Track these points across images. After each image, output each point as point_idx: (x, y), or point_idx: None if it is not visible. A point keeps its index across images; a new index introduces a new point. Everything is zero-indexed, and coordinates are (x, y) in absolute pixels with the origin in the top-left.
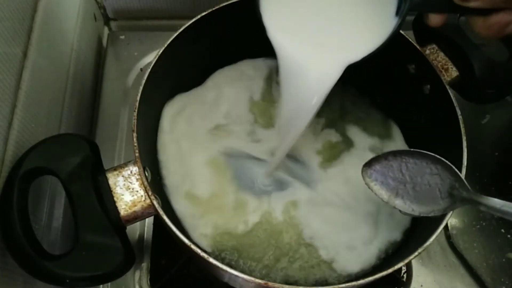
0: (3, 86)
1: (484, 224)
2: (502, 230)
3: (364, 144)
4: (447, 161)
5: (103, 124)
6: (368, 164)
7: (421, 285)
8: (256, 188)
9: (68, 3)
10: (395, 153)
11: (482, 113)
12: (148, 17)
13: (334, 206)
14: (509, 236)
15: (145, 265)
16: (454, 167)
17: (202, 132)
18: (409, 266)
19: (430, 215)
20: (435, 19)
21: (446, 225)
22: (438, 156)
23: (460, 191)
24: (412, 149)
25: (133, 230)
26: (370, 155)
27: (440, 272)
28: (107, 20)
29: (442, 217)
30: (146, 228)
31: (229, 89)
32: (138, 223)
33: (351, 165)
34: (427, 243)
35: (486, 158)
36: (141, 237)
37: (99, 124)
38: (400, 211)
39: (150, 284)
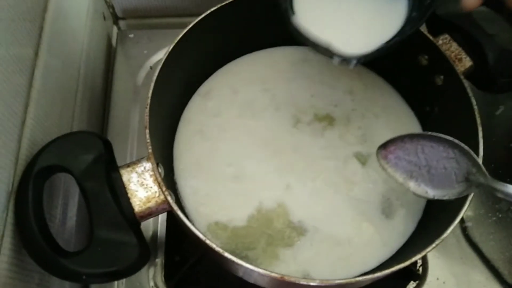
0: (16, 85)
1: (500, 216)
2: None
3: None
4: (465, 146)
5: (114, 122)
6: (383, 146)
7: (437, 278)
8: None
9: (77, 3)
10: (412, 136)
11: (495, 104)
12: (156, 15)
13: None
14: None
15: (159, 261)
16: (472, 152)
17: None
18: (424, 259)
19: (444, 198)
20: (471, 1)
21: (462, 217)
22: (456, 141)
23: (477, 176)
24: (429, 133)
25: (147, 226)
26: None
27: (456, 264)
28: (116, 19)
29: (458, 208)
30: (159, 225)
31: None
32: (151, 220)
33: None
34: (444, 235)
35: (500, 149)
36: (155, 233)
37: (110, 122)
38: (414, 193)
39: (164, 280)
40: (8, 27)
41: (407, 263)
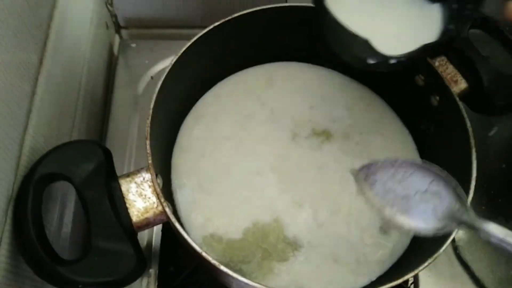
0: (20, 92)
1: None
2: None
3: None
4: (452, 179)
5: (114, 131)
6: (362, 168)
7: None
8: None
9: (81, 11)
10: (395, 162)
11: (489, 125)
12: (158, 26)
13: None
14: None
15: (153, 271)
16: (457, 187)
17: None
18: (416, 277)
19: (421, 233)
20: None
21: (453, 237)
22: (441, 174)
23: (460, 213)
24: (415, 161)
25: (142, 236)
26: None
27: (447, 283)
28: (118, 28)
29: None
30: (154, 235)
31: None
32: (146, 230)
33: None
34: (437, 253)
35: (493, 170)
36: (149, 244)
37: (110, 131)
38: (390, 222)
39: None
40: (16, 34)
41: (400, 281)
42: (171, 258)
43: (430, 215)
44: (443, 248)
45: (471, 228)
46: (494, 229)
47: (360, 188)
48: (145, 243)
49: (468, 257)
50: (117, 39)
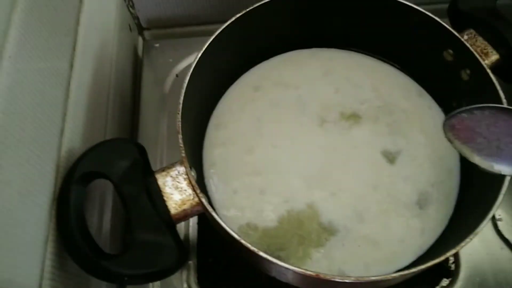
0: (55, 97)
1: None
2: None
3: None
4: None
5: (144, 129)
6: (452, 117)
7: (470, 274)
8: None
9: (105, 15)
10: (484, 108)
11: None
12: (180, 25)
13: None
14: None
15: (192, 263)
16: None
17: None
18: (457, 255)
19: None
20: None
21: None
22: None
23: None
24: (503, 106)
25: (179, 229)
26: None
27: (489, 260)
28: (141, 30)
29: (491, 203)
30: (191, 227)
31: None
32: (182, 222)
33: None
34: (478, 229)
35: None
36: (187, 236)
37: (140, 129)
38: (479, 166)
39: (198, 282)
40: (47, 42)
41: (442, 258)
42: (209, 250)
43: None
44: (484, 223)
45: None
46: None
47: (448, 137)
48: (182, 235)
49: (508, 233)
50: (140, 41)
